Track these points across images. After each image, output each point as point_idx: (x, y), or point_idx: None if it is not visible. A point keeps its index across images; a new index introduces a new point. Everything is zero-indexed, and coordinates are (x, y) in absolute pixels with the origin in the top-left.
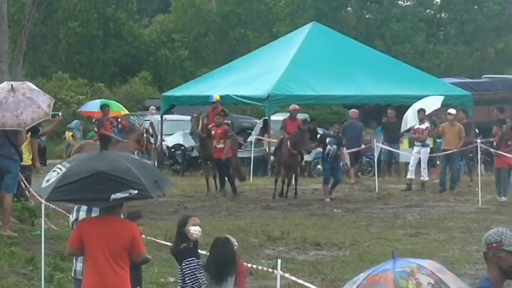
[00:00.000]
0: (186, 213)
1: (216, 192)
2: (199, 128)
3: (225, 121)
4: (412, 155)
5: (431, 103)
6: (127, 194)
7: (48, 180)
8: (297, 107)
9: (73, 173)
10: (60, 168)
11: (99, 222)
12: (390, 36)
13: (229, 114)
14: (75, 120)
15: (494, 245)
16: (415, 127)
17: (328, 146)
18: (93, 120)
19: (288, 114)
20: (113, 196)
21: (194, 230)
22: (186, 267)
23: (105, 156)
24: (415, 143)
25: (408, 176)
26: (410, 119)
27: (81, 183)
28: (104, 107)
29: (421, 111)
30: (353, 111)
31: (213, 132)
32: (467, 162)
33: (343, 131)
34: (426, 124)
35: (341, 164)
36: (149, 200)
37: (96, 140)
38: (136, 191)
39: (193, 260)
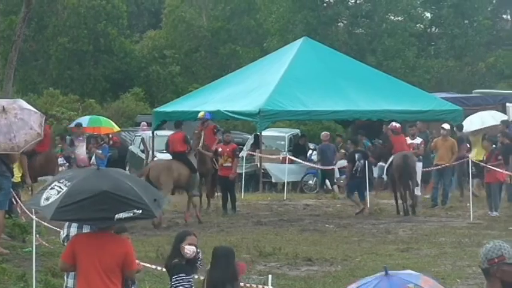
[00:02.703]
0: (186, 230)
1: (208, 208)
2: (200, 145)
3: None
4: None
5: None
6: (131, 214)
7: (47, 199)
8: None
9: (76, 192)
10: (59, 186)
11: (92, 238)
12: (381, 52)
13: (220, 130)
14: (66, 137)
15: (496, 260)
16: (408, 142)
17: (357, 162)
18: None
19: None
20: (117, 216)
21: (188, 250)
22: (176, 282)
23: (107, 174)
24: None
25: None
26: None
27: (85, 202)
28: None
29: (413, 126)
30: (325, 134)
31: (220, 149)
32: (459, 177)
33: (319, 153)
34: (420, 139)
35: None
36: None
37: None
38: (140, 211)
39: (182, 276)
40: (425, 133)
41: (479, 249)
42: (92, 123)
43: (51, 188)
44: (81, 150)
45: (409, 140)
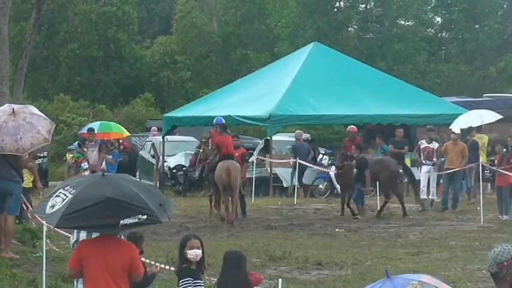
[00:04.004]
0: (187, 235)
1: (219, 213)
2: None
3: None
4: (422, 175)
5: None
6: (136, 220)
7: (53, 206)
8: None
9: (81, 199)
10: (64, 194)
11: (98, 244)
12: (391, 56)
13: (231, 134)
14: (77, 142)
15: (505, 263)
16: (423, 146)
17: None
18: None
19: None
20: (122, 222)
21: (191, 254)
22: (182, 287)
23: (111, 181)
24: (426, 162)
25: (420, 197)
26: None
27: (90, 210)
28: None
29: (433, 130)
30: (299, 133)
31: None
32: (469, 180)
33: (293, 150)
34: (436, 144)
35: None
36: None
37: (83, 161)
38: (145, 216)
39: (188, 280)
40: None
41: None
42: (102, 129)
43: (57, 196)
44: (93, 155)
45: (425, 144)
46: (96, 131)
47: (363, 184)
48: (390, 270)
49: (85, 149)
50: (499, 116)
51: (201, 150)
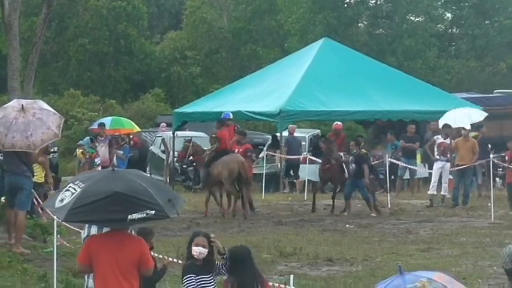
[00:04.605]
0: (196, 231)
1: (229, 209)
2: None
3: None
4: (434, 171)
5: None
6: (144, 215)
7: (62, 200)
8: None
9: (89, 194)
10: (74, 188)
11: (107, 239)
12: (402, 52)
13: (241, 130)
14: (87, 137)
15: None
16: (439, 141)
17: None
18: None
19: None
20: (130, 217)
21: (194, 251)
22: (184, 282)
23: (120, 176)
24: (440, 157)
25: (430, 192)
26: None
27: (98, 204)
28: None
29: (446, 126)
30: (292, 127)
31: (236, 150)
32: (479, 176)
33: (286, 144)
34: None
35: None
36: None
37: (96, 156)
38: (153, 212)
39: (190, 276)
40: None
41: (501, 249)
42: (114, 125)
43: (66, 190)
44: (102, 150)
45: (441, 139)
46: (107, 127)
47: (361, 181)
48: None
49: (96, 144)
50: (486, 114)
51: (190, 145)
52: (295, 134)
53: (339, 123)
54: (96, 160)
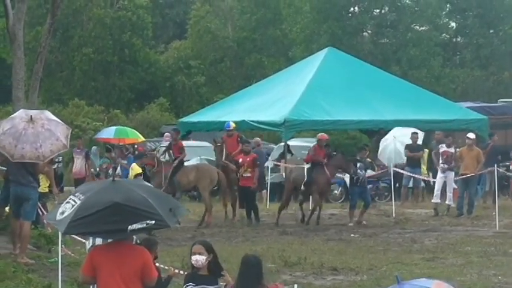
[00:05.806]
0: (196, 240)
1: (233, 218)
2: (223, 157)
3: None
4: (437, 180)
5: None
6: (144, 225)
7: (62, 213)
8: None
9: (89, 205)
10: (74, 200)
11: (110, 249)
12: (406, 61)
13: (246, 139)
14: (93, 147)
15: None
16: (442, 150)
17: (358, 171)
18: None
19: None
20: (130, 227)
21: (192, 260)
22: None
23: (120, 186)
24: (444, 165)
25: (434, 200)
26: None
27: (97, 215)
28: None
29: (450, 136)
30: (256, 141)
31: (240, 160)
32: (487, 184)
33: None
34: (453, 148)
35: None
36: None
37: (109, 167)
38: (153, 221)
39: (189, 285)
40: None
41: (506, 258)
42: (118, 135)
43: (67, 202)
44: (79, 162)
45: (444, 148)
46: (111, 137)
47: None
48: (405, 275)
49: (112, 154)
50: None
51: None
52: (300, 143)
53: (324, 134)
54: (110, 171)
